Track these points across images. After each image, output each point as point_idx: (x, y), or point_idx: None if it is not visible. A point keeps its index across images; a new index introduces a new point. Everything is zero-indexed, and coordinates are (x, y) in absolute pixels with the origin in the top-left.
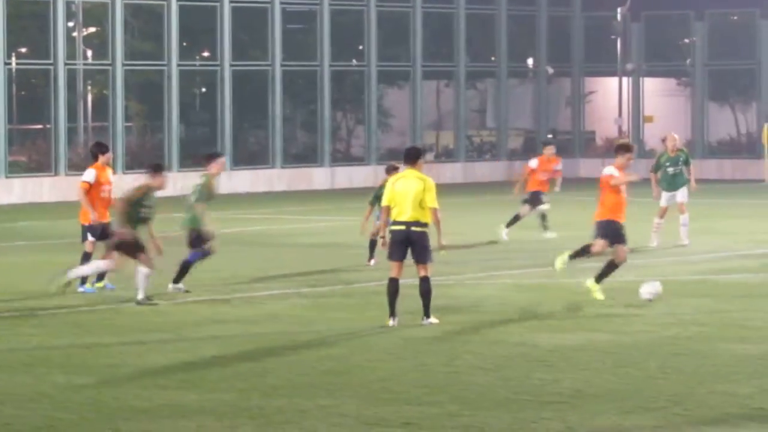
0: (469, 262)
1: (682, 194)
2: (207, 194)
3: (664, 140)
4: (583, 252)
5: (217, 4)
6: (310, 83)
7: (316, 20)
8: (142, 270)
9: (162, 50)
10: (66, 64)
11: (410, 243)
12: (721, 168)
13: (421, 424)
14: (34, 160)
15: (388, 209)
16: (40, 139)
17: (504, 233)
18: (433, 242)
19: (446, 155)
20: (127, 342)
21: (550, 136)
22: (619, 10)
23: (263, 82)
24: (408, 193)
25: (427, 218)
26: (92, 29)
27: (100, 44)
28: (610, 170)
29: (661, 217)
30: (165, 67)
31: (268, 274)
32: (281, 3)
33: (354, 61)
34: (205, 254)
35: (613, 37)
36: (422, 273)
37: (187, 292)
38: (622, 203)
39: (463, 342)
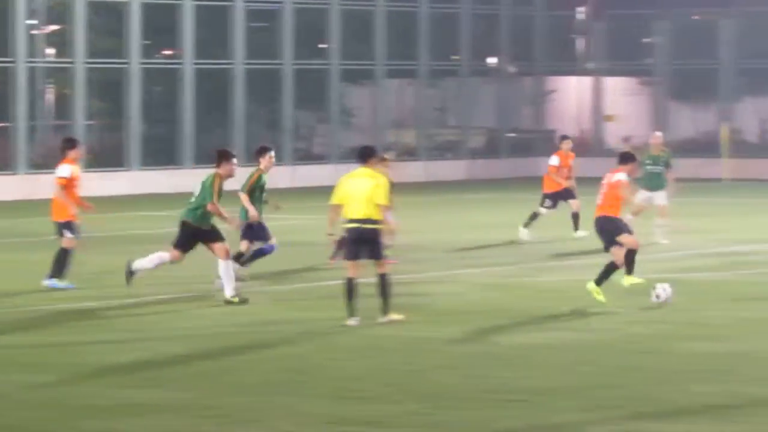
0: (431, 261)
1: (662, 197)
2: (249, 186)
3: (626, 140)
4: (609, 272)
5: (180, 2)
6: (272, 81)
7: (278, 19)
8: (222, 264)
9: (124, 48)
10: (27, 61)
11: (364, 241)
12: (681, 167)
13: (384, 422)
14: None
15: (337, 207)
16: None
17: (524, 233)
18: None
19: (408, 154)
20: (88, 341)
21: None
22: (580, 9)
23: (226, 81)
24: (360, 191)
25: (379, 216)
26: (53, 27)
27: (61, 42)
28: (621, 176)
29: (635, 214)
30: (127, 65)
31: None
32: (244, 1)
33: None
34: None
35: (573, 36)
36: (380, 270)
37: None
38: (623, 202)
39: (425, 340)
